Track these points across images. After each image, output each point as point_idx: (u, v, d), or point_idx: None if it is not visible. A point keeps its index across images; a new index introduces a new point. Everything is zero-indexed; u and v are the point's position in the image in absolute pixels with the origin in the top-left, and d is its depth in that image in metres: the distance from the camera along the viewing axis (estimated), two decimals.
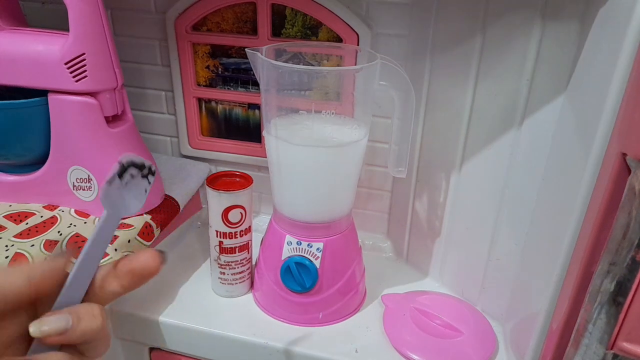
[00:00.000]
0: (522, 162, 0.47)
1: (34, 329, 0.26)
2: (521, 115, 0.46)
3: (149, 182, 0.30)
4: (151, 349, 0.56)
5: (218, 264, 0.54)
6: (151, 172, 0.30)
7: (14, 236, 0.50)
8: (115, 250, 0.49)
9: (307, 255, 0.50)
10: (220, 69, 0.62)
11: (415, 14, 0.52)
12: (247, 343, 0.50)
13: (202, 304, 0.55)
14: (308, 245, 0.50)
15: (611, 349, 0.33)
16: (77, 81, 0.48)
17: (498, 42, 0.45)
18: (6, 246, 0.49)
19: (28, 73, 0.48)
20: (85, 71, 0.47)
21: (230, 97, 0.63)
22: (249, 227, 0.53)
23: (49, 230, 0.52)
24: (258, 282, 0.54)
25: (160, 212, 0.56)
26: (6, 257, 0.48)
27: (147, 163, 0.30)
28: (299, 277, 0.50)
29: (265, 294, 0.54)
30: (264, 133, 0.50)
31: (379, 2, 0.54)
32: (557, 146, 0.43)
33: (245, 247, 0.54)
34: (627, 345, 0.32)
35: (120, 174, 0.29)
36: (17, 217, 0.53)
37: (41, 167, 0.54)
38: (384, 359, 0.49)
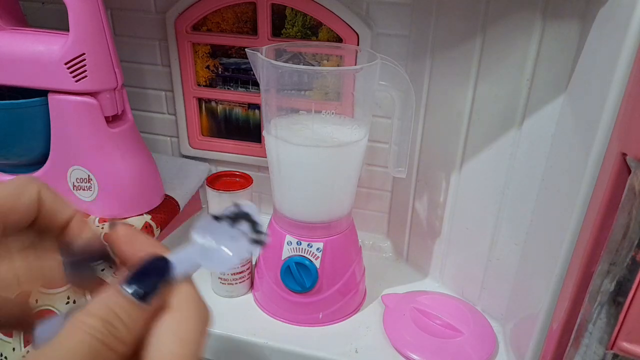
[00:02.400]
0: (522, 162, 0.47)
1: None
2: (521, 115, 0.46)
3: (252, 253, 0.24)
4: None
5: None
6: (261, 243, 0.24)
7: None
8: None
9: (307, 255, 0.50)
10: (220, 69, 0.62)
11: (416, 14, 0.52)
12: (247, 343, 0.50)
13: None
14: (308, 245, 0.50)
15: (611, 349, 0.33)
16: (77, 81, 0.48)
17: (498, 42, 0.45)
18: None
19: (28, 73, 0.48)
20: (85, 71, 0.47)
21: (230, 97, 0.63)
22: None
23: None
24: (258, 282, 0.54)
25: (160, 212, 0.56)
26: None
27: (263, 229, 0.24)
28: (299, 277, 0.50)
29: (265, 294, 0.54)
30: (264, 133, 0.50)
31: (379, 2, 0.54)
32: (557, 146, 0.43)
33: None
34: (627, 345, 0.32)
35: (233, 221, 0.24)
36: None
37: (41, 167, 0.54)
38: (384, 359, 0.49)
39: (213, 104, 0.65)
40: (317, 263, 0.50)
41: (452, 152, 0.52)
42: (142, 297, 0.20)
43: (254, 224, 0.24)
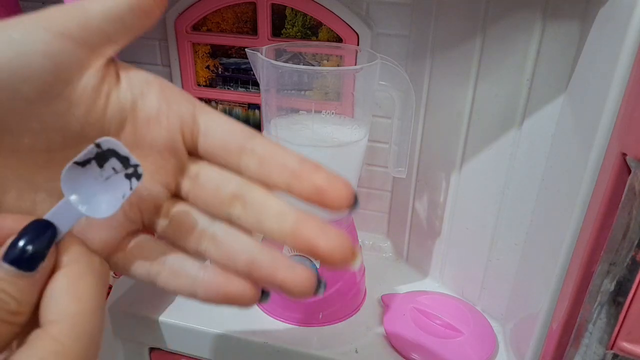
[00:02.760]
0: (522, 162, 0.47)
1: None
2: (521, 115, 0.46)
3: (131, 188, 0.22)
4: (151, 349, 0.56)
5: None
6: (136, 175, 0.22)
7: None
8: None
9: (307, 255, 0.50)
10: (220, 69, 0.62)
11: (416, 14, 0.52)
12: (247, 343, 0.50)
13: (202, 304, 0.55)
14: None
15: (611, 349, 0.33)
16: None
17: (498, 42, 0.45)
18: None
19: None
20: None
21: (230, 97, 0.63)
22: None
23: None
24: None
25: None
26: None
27: (134, 160, 0.22)
28: None
29: None
30: (264, 133, 0.50)
31: (379, 2, 0.54)
32: (557, 146, 0.43)
33: None
34: (627, 345, 0.32)
35: (100, 161, 0.22)
36: None
37: None
38: (384, 359, 0.49)
39: (213, 104, 0.65)
40: (317, 263, 0.50)
41: (452, 152, 0.52)
42: (27, 265, 0.19)
43: (122, 159, 0.22)
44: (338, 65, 0.57)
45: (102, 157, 0.22)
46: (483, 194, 0.51)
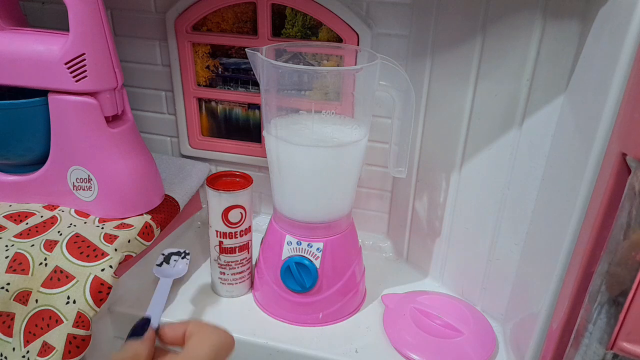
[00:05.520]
0: (522, 162, 0.47)
1: None
2: (521, 115, 0.46)
3: (188, 260, 0.55)
4: None
5: (218, 264, 0.54)
6: (186, 255, 0.55)
7: (14, 236, 0.50)
8: (116, 250, 0.49)
9: (307, 255, 0.50)
10: (220, 69, 0.62)
11: (416, 14, 0.52)
12: (247, 343, 0.50)
13: (202, 304, 0.55)
14: (308, 245, 0.50)
15: (611, 349, 0.33)
16: (77, 81, 0.48)
17: (498, 42, 0.45)
18: (6, 246, 0.49)
19: (28, 73, 0.48)
20: (85, 71, 0.48)
21: (230, 97, 0.63)
22: (249, 227, 0.53)
23: (49, 230, 0.52)
24: (258, 282, 0.54)
25: (160, 212, 0.56)
26: (6, 257, 0.48)
27: (182, 250, 0.55)
28: (299, 277, 0.50)
29: (265, 294, 0.54)
30: (264, 133, 0.50)
31: (379, 2, 0.54)
32: (557, 146, 0.43)
33: (245, 247, 0.54)
34: (627, 345, 0.32)
35: (167, 260, 0.54)
36: (17, 217, 0.53)
37: (41, 167, 0.54)
38: (384, 359, 0.49)
39: (213, 104, 0.65)
40: (317, 263, 0.50)
41: (452, 152, 0.53)
42: (138, 334, 0.37)
43: (177, 253, 0.55)
44: (338, 65, 0.57)
45: (167, 259, 0.54)
46: (483, 194, 0.51)
